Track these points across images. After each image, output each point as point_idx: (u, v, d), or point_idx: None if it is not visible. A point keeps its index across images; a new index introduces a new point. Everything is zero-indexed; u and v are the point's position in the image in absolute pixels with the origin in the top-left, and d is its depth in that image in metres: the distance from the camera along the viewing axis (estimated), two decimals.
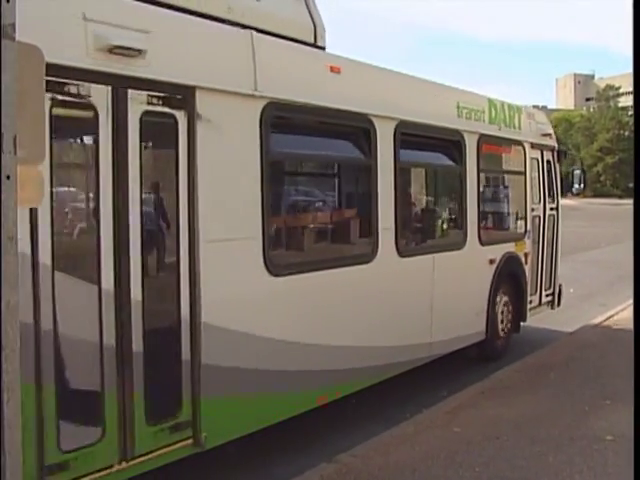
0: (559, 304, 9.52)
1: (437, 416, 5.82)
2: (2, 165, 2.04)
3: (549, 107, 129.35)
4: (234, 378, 4.58)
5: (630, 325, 9.24)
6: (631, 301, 11.22)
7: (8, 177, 2.05)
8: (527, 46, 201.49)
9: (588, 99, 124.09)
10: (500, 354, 8.00)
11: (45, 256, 3.52)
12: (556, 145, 9.52)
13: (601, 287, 14.05)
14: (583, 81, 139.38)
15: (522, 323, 8.44)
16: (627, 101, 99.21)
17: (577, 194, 10.65)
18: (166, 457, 4.21)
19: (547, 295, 9.31)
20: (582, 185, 10.11)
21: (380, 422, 5.83)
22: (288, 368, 5.02)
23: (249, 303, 4.67)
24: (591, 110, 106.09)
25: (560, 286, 9.52)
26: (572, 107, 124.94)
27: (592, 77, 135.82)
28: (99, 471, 3.84)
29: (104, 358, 3.84)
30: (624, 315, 10.25)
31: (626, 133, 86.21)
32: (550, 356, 7.86)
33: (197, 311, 4.28)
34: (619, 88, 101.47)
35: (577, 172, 10.17)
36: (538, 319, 9.15)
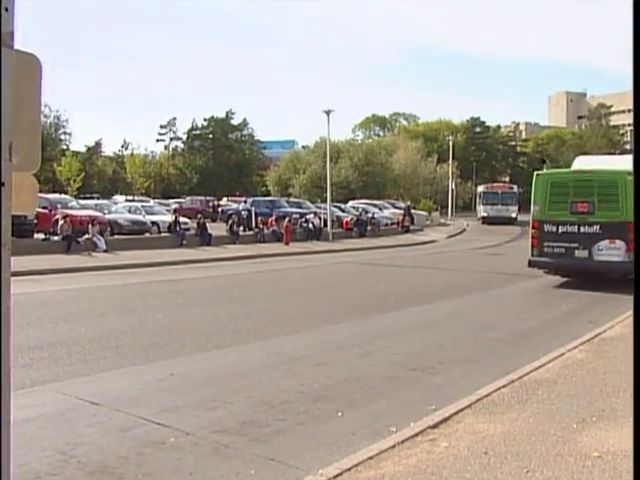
0: None
1: (424, 430, 5.83)
2: None
3: (541, 124, 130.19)
4: None
5: (619, 342, 9.32)
6: (619, 318, 11.35)
7: (3, 184, 2.06)
8: (520, 63, 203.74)
9: (580, 117, 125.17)
10: None
11: None
12: None
13: (590, 303, 14.17)
14: (575, 99, 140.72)
15: None
16: (618, 120, 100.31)
17: None
18: None
19: None
20: None
21: (367, 436, 5.83)
22: None
23: None
24: (583, 128, 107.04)
25: None
26: (564, 124, 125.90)
27: (584, 95, 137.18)
28: None
29: None
30: (612, 333, 10.30)
31: (617, 152, 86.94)
32: (538, 373, 7.89)
33: None
34: (611, 107, 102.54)
35: None
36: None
